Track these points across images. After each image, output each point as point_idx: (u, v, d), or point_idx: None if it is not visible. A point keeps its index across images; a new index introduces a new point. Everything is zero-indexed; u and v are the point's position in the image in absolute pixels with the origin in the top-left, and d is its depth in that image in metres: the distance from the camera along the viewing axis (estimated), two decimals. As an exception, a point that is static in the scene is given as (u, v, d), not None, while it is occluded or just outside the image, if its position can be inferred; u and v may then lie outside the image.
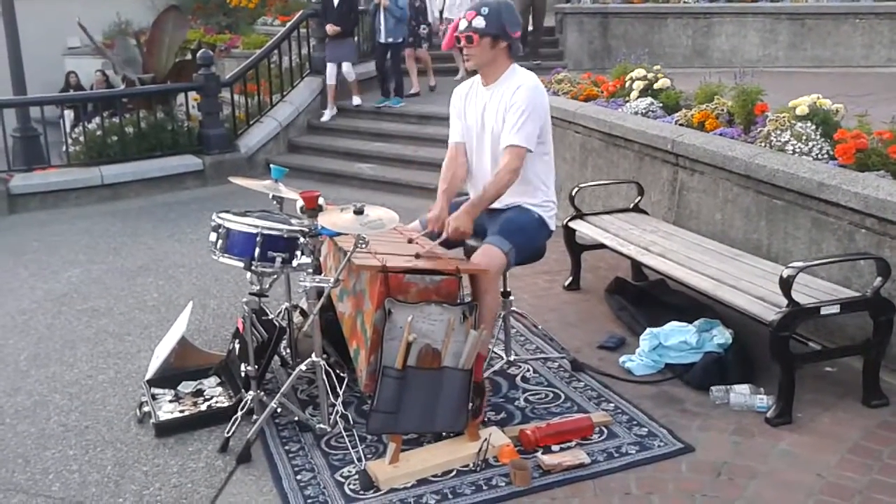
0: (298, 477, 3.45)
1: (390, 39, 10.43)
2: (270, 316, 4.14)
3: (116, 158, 9.25)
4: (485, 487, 3.31)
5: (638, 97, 6.36)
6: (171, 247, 7.07)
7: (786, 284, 3.63)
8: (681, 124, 5.73)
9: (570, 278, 5.51)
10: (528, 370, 4.32)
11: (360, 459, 3.44)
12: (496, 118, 3.82)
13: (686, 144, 5.36)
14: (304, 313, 4.28)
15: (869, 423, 3.68)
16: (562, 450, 3.54)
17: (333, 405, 3.68)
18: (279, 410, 3.76)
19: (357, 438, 3.53)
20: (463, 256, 3.90)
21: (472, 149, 4.02)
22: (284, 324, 4.15)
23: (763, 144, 4.95)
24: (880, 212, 4.01)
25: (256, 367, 3.79)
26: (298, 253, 3.74)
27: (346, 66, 10.42)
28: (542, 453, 3.50)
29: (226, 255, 3.82)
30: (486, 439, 3.50)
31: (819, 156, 4.65)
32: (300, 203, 3.66)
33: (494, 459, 3.47)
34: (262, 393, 3.85)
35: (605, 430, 3.71)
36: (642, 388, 4.11)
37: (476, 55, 3.80)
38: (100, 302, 5.74)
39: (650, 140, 5.73)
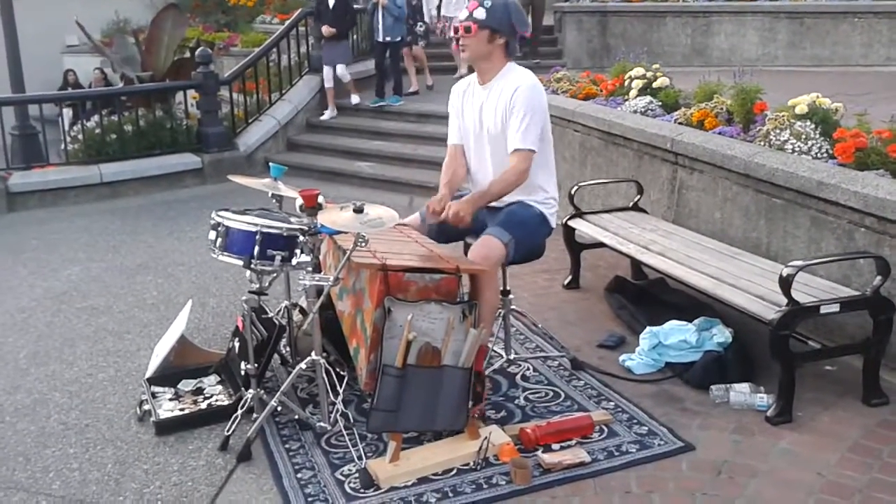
0: (299, 475, 3.45)
1: (388, 38, 10.43)
2: (270, 314, 4.14)
3: (115, 157, 9.24)
4: (485, 486, 3.32)
5: (637, 96, 6.36)
6: (171, 245, 7.06)
7: (785, 283, 3.63)
8: (680, 123, 5.73)
9: (570, 277, 5.51)
10: (528, 369, 4.33)
11: (360, 458, 3.44)
12: (494, 118, 3.82)
13: (685, 143, 5.37)
14: (303, 312, 4.28)
15: (869, 422, 3.68)
16: (562, 448, 3.54)
17: (333, 403, 3.68)
18: (279, 409, 3.75)
19: (357, 437, 3.53)
20: (462, 254, 3.91)
21: (471, 148, 4.02)
22: (284, 322, 4.14)
23: (762, 143, 4.95)
24: (880, 210, 4.02)
25: (256, 365, 3.79)
26: (298, 251, 3.74)
27: (339, 69, 10.40)
28: (543, 452, 3.50)
29: (225, 253, 3.82)
30: (486, 438, 3.50)
31: (818, 155, 4.65)
32: (299, 201, 3.65)
33: (495, 458, 3.47)
34: (262, 391, 3.85)
35: (606, 429, 3.71)
36: (642, 386, 4.11)
37: (471, 46, 3.80)
38: (99, 300, 5.74)
39: (649, 139, 5.73)
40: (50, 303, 5.74)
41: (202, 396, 4.14)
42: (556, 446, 3.55)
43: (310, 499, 3.29)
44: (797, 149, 4.71)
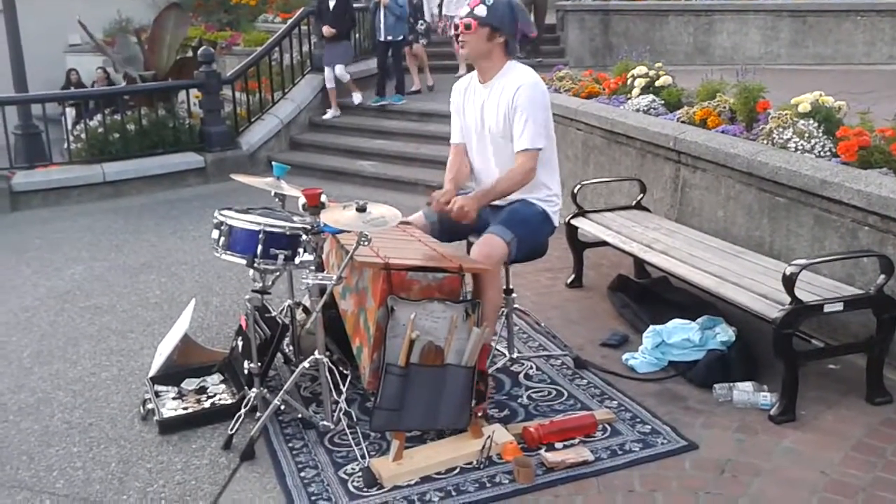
0: (302, 474, 3.45)
1: (390, 37, 10.44)
2: (273, 313, 4.14)
3: (118, 156, 9.25)
4: (488, 485, 3.32)
5: (640, 94, 6.36)
6: (174, 244, 7.07)
7: (789, 282, 3.63)
8: (683, 122, 5.72)
9: (573, 276, 5.51)
10: (531, 367, 4.33)
11: (363, 456, 3.44)
12: (496, 116, 3.82)
13: (688, 142, 5.36)
14: (306, 310, 4.28)
15: (872, 421, 3.68)
16: (565, 447, 3.54)
17: (337, 402, 3.68)
18: (282, 408, 3.76)
19: (360, 435, 3.53)
20: (465, 253, 3.91)
21: (473, 147, 4.02)
22: (287, 321, 4.14)
23: (765, 142, 4.95)
24: (883, 209, 4.01)
25: (259, 364, 3.79)
26: (301, 250, 3.74)
27: (338, 69, 10.40)
28: (546, 451, 3.49)
29: (228, 252, 3.82)
30: (489, 437, 3.50)
31: (821, 153, 4.64)
32: (302, 200, 3.66)
33: (498, 457, 3.47)
34: (266, 390, 3.85)
35: (609, 428, 3.71)
36: (645, 385, 4.11)
37: (470, 43, 3.79)
38: (102, 299, 5.75)
39: (652, 137, 5.72)
40: (53, 302, 5.74)
41: (205, 395, 4.14)
42: (559, 445, 3.55)
43: (313, 497, 3.29)
44: (800, 147, 4.71)
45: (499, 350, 4.26)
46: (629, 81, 6.58)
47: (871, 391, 3.84)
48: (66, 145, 9.61)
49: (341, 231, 3.63)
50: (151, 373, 4.31)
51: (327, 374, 3.60)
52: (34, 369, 4.67)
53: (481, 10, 3.73)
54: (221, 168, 9.27)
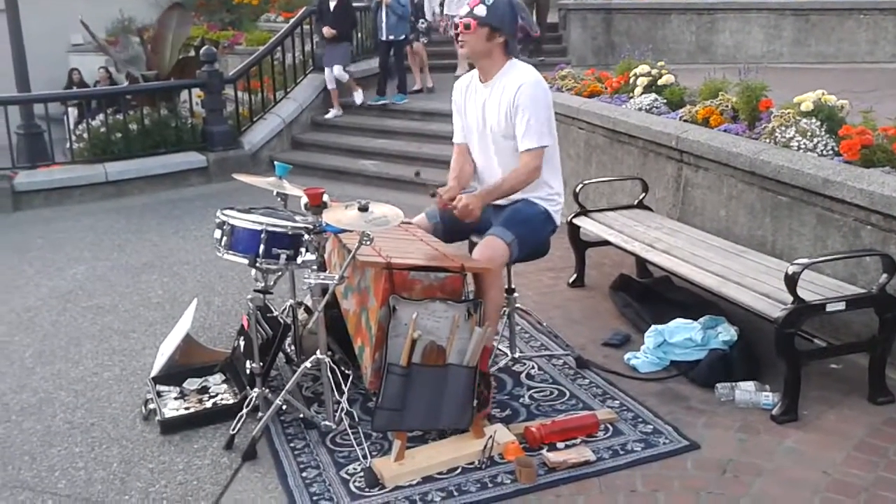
0: (304, 474, 3.45)
1: (392, 37, 10.44)
2: (275, 313, 4.14)
3: (120, 155, 9.26)
4: (490, 485, 3.31)
5: (642, 93, 6.35)
6: (176, 244, 7.07)
7: (791, 281, 3.62)
8: (685, 120, 5.72)
9: (575, 275, 5.50)
10: (533, 367, 4.32)
11: (365, 456, 3.44)
12: (497, 115, 3.82)
13: (690, 141, 5.36)
14: (308, 310, 4.28)
15: (875, 421, 3.68)
16: (567, 447, 3.53)
17: (338, 402, 3.68)
18: (284, 407, 3.76)
19: (362, 435, 3.54)
20: (467, 253, 3.91)
21: (475, 146, 4.02)
22: (289, 321, 4.15)
23: (768, 140, 4.94)
24: (886, 208, 4.00)
25: (261, 364, 3.79)
26: (303, 250, 3.74)
27: (336, 70, 10.38)
28: (548, 450, 3.49)
29: (230, 252, 3.82)
30: (491, 436, 3.50)
31: (824, 152, 4.64)
32: (304, 200, 3.66)
33: (500, 457, 3.47)
34: (267, 390, 3.85)
35: (611, 428, 3.70)
36: (647, 385, 4.11)
37: (470, 43, 3.78)
38: (105, 299, 5.75)
39: (654, 136, 5.72)
40: (55, 302, 5.75)
41: (207, 395, 4.14)
42: (560, 445, 3.55)
43: (315, 497, 3.29)
44: (803, 146, 4.70)
45: (501, 350, 4.26)
46: (631, 80, 6.58)
47: (873, 391, 3.84)
48: (68, 145, 9.60)
49: (343, 230, 3.63)
50: (153, 373, 4.31)
51: (329, 373, 3.61)
52: (36, 369, 4.68)
53: (481, 10, 3.73)
54: (224, 168, 9.27)
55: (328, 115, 10.71)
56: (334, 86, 10.52)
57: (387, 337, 3.36)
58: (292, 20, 11.27)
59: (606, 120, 6.27)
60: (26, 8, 10.79)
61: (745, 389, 3.88)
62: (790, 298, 3.64)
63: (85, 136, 9.49)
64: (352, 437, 3.54)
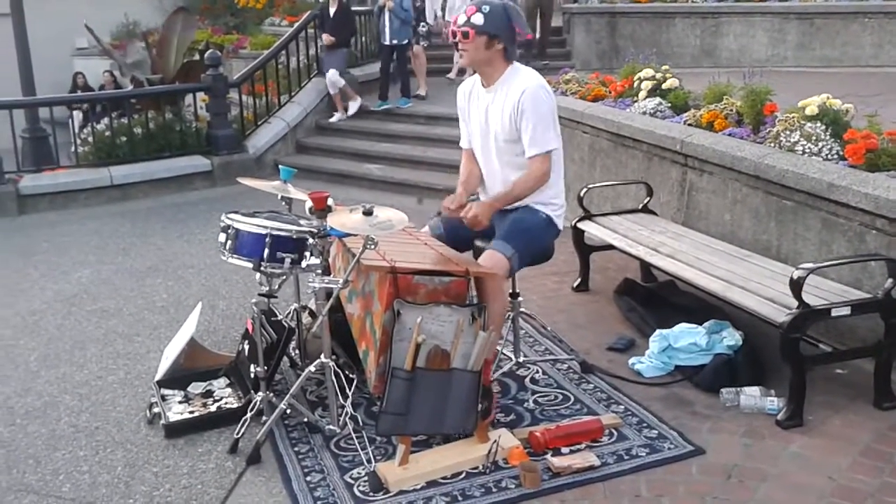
0: (308, 478, 3.45)
1: (395, 41, 10.44)
2: (279, 317, 4.14)
3: (125, 159, 9.27)
4: (494, 489, 3.31)
5: (646, 97, 6.34)
6: (181, 247, 7.08)
7: (796, 286, 3.61)
8: (689, 124, 5.71)
9: (579, 279, 5.50)
10: (537, 372, 4.32)
11: (369, 461, 3.44)
12: (501, 120, 3.81)
13: (695, 145, 5.35)
14: (312, 314, 4.28)
15: (880, 426, 3.66)
16: (571, 452, 3.53)
17: (343, 406, 3.68)
18: (288, 412, 3.76)
19: (366, 440, 3.53)
20: (471, 257, 3.91)
21: (479, 151, 4.02)
22: (293, 325, 4.15)
23: (772, 145, 4.93)
24: (891, 212, 3.99)
25: (266, 368, 3.79)
26: (307, 254, 3.74)
27: (331, 74, 10.38)
28: (552, 455, 3.49)
29: (235, 255, 3.82)
30: (495, 441, 3.49)
31: (829, 156, 4.62)
32: (309, 204, 3.66)
33: (504, 461, 3.47)
34: (272, 394, 3.85)
35: (615, 433, 3.70)
36: (652, 390, 4.10)
37: (470, 52, 3.79)
38: (109, 303, 5.76)
39: (659, 140, 5.71)
40: (60, 305, 5.76)
41: (212, 399, 4.14)
42: (565, 450, 3.55)
43: (319, 502, 3.29)
44: (807, 150, 4.69)
45: (505, 354, 4.25)
46: (636, 84, 6.57)
47: (878, 396, 3.82)
48: (73, 149, 9.63)
49: (348, 234, 3.63)
50: (158, 376, 4.32)
51: (333, 377, 3.61)
52: (41, 373, 4.68)
53: (478, 19, 3.73)
54: (228, 171, 9.28)
55: (333, 119, 10.72)
56: (335, 90, 10.52)
57: (391, 341, 3.36)
58: (297, 24, 11.29)
59: (610, 124, 6.27)
60: (31, 12, 10.83)
61: (750, 394, 3.87)
62: (795, 303, 3.63)
63: (90, 139, 9.51)
64: (356, 441, 3.54)
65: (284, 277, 3.94)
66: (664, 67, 6.63)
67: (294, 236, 3.75)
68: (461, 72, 9.48)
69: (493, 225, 3.85)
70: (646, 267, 5.35)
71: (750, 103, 5.33)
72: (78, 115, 11.06)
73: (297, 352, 4.31)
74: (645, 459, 3.48)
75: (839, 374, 4.11)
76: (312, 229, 3.69)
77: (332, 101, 10.78)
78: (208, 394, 4.19)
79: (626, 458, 3.50)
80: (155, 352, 4.78)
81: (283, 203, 4.24)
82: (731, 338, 4.21)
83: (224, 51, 12.55)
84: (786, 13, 11.72)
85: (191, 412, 4.01)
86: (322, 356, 3.63)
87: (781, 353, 3.69)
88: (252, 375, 3.85)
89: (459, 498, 3.26)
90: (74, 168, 9.27)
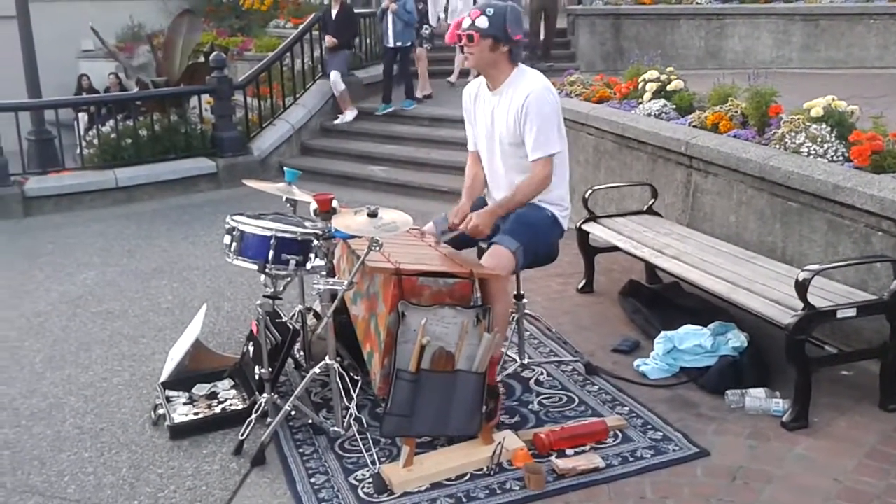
0: (312, 480, 3.45)
1: (399, 43, 10.44)
2: (284, 318, 4.14)
3: (130, 161, 9.28)
4: (499, 491, 3.31)
5: (651, 99, 6.35)
6: (186, 249, 7.09)
7: (802, 287, 3.61)
8: (694, 126, 5.70)
9: (584, 281, 5.49)
10: (542, 373, 4.31)
11: (373, 462, 3.44)
12: (506, 123, 3.81)
13: (700, 146, 5.34)
14: (317, 316, 4.28)
15: (886, 428, 3.65)
16: (576, 454, 3.53)
17: (347, 408, 3.68)
18: (293, 413, 3.76)
19: (371, 441, 3.53)
20: (475, 258, 3.91)
21: (483, 153, 4.03)
22: (298, 326, 4.15)
23: (777, 146, 4.93)
24: (897, 214, 3.99)
25: (270, 369, 3.79)
26: (312, 256, 3.75)
27: (333, 75, 10.39)
28: (557, 457, 3.49)
29: (240, 257, 3.83)
30: (500, 443, 3.49)
31: (834, 158, 4.62)
32: (314, 206, 3.67)
33: (508, 463, 3.47)
34: (276, 396, 3.85)
35: (620, 434, 3.69)
36: (657, 391, 4.10)
37: (475, 55, 3.80)
38: (114, 304, 5.77)
39: (664, 142, 5.71)
40: (66, 307, 5.77)
41: (216, 401, 4.15)
42: (570, 451, 3.54)
43: (323, 503, 3.29)
44: (813, 152, 4.69)
45: (510, 355, 4.25)
46: (640, 86, 6.57)
47: (884, 398, 3.81)
48: (78, 151, 9.64)
49: (353, 236, 3.64)
50: (163, 378, 4.32)
51: (338, 379, 3.61)
52: (46, 374, 4.69)
53: (482, 22, 3.73)
54: (233, 173, 9.29)
55: (337, 121, 10.72)
56: (339, 92, 10.53)
57: (396, 343, 3.36)
58: (301, 26, 11.29)
59: (615, 126, 6.26)
60: (37, 14, 10.85)
61: (756, 396, 3.86)
62: (801, 305, 3.63)
63: (95, 141, 9.52)
64: (360, 443, 3.54)
65: (289, 279, 3.94)
66: (669, 69, 6.63)
67: (299, 238, 3.76)
68: (463, 74, 9.48)
69: (497, 222, 3.85)
70: (650, 268, 5.34)
71: (755, 105, 5.33)
72: (83, 118, 11.06)
73: (301, 353, 4.32)
74: (650, 461, 3.48)
75: (845, 376, 4.11)
76: (317, 231, 3.70)
77: (336, 103, 10.79)
78: (213, 395, 4.19)
79: (630, 459, 3.50)
80: (160, 353, 4.79)
81: (288, 205, 4.24)
82: (736, 339, 4.20)
83: (229, 53, 12.57)
84: (791, 15, 11.70)
85: (195, 414, 4.02)
86: (327, 358, 3.63)
87: (787, 355, 3.68)
88: (257, 377, 3.85)
89: (464, 500, 3.26)
90: (80, 170, 9.28)
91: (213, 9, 16.46)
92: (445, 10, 11.77)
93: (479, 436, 3.52)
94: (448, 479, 3.38)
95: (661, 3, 12.50)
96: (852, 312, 3.72)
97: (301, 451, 3.68)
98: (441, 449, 3.56)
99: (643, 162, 6.06)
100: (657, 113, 6.15)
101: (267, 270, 3.76)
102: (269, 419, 3.74)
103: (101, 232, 7.78)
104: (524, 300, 4.19)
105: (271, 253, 3.74)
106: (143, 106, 9.79)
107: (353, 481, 3.42)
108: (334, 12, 10.39)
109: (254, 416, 3.76)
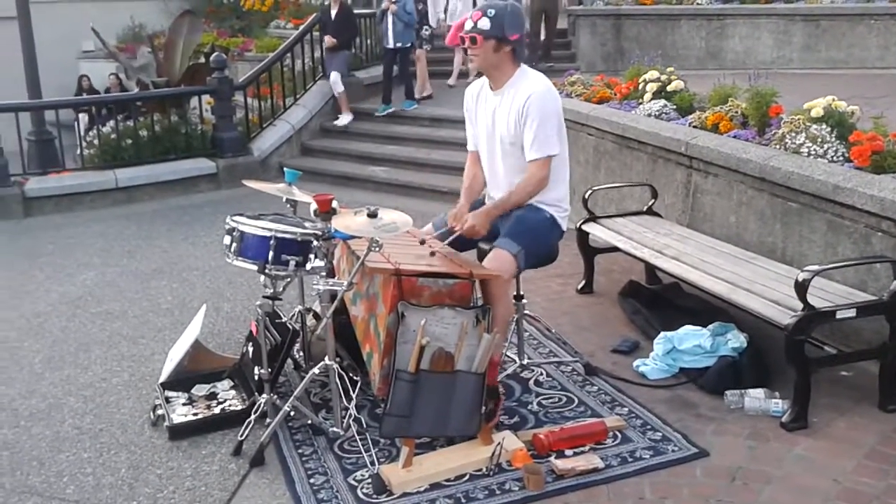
0: (311, 480, 3.45)
1: (399, 44, 10.44)
2: (284, 319, 4.14)
3: (130, 162, 9.28)
4: (498, 492, 3.31)
5: (651, 99, 6.34)
6: (185, 250, 7.09)
7: (801, 288, 3.60)
8: (694, 126, 5.70)
9: (584, 281, 5.49)
10: (542, 374, 4.31)
11: (373, 463, 3.44)
12: (507, 123, 3.81)
13: (700, 147, 5.34)
14: (317, 316, 4.29)
15: (885, 428, 3.65)
16: (575, 454, 3.53)
17: (346, 409, 3.68)
18: (292, 414, 3.76)
19: (370, 442, 3.53)
20: (476, 260, 3.90)
21: (483, 152, 4.03)
22: (298, 327, 4.15)
23: (778, 147, 4.93)
24: (897, 214, 3.99)
25: (270, 370, 3.79)
26: (312, 256, 3.75)
27: (333, 76, 10.40)
28: (556, 458, 3.49)
29: (240, 258, 3.83)
30: (499, 443, 3.49)
31: (834, 158, 4.62)
32: (314, 206, 3.67)
33: (508, 464, 3.46)
34: (276, 396, 3.85)
35: (619, 435, 3.69)
36: (656, 392, 4.09)
37: (479, 56, 3.80)
38: (114, 305, 5.77)
39: (664, 142, 5.71)
40: (65, 307, 5.77)
41: (216, 401, 4.15)
42: (569, 452, 3.54)
43: (322, 503, 3.30)
44: (813, 152, 4.68)
45: (509, 356, 4.25)
46: (641, 86, 6.57)
47: (883, 398, 3.81)
48: (78, 151, 9.64)
49: (352, 237, 3.64)
50: (162, 378, 4.32)
51: (337, 380, 3.61)
52: (46, 374, 4.69)
53: (485, 24, 3.73)
54: (233, 174, 9.30)
55: (338, 122, 10.72)
56: (338, 92, 10.53)
57: (395, 343, 3.36)
58: (302, 27, 11.29)
59: (615, 126, 6.26)
60: (38, 15, 10.84)
61: (755, 396, 3.86)
62: (800, 305, 3.63)
63: (95, 142, 9.52)
64: (360, 443, 3.54)
65: (289, 280, 3.94)
66: (669, 69, 6.63)
67: (299, 239, 3.76)
68: (461, 76, 9.48)
69: (496, 224, 3.85)
70: (650, 269, 5.34)
71: (755, 105, 5.33)
72: (84, 118, 11.07)
73: (301, 354, 4.32)
74: (649, 462, 3.48)
75: (844, 377, 4.10)
76: (317, 232, 3.69)
77: (336, 104, 10.79)
78: (212, 396, 4.19)
79: (630, 460, 3.49)
80: (159, 354, 4.79)
81: (288, 205, 4.24)
82: (735, 340, 4.20)
83: (229, 54, 12.57)
84: (791, 15, 11.70)
85: (195, 414, 4.02)
86: (326, 358, 3.63)
87: (786, 356, 3.68)
88: (256, 377, 3.85)
89: (463, 500, 3.26)
90: (80, 171, 9.28)
91: (213, 9, 16.46)
92: (445, 11, 11.76)
93: (479, 436, 3.52)
94: (447, 480, 3.38)
95: (661, 3, 12.50)
96: (852, 313, 3.72)
97: (300, 451, 3.68)
98: (440, 449, 3.56)
99: (643, 162, 6.06)
100: (657, 113, 6.15)
101: (267, 271, 3.76)
102: (268, 420, 3.74)
103: (101, 232, 7.78)
104: (524, 301, 4.19)
105: (271, 253, 3.74)
106: (143, 106, 9.80)
107: (353, 482, 3.42)
108: (333, 13, 10.40)
109: (253, 416, 3.76)
